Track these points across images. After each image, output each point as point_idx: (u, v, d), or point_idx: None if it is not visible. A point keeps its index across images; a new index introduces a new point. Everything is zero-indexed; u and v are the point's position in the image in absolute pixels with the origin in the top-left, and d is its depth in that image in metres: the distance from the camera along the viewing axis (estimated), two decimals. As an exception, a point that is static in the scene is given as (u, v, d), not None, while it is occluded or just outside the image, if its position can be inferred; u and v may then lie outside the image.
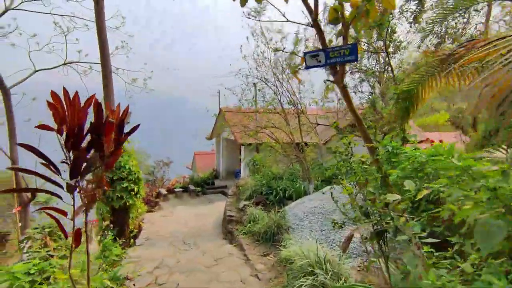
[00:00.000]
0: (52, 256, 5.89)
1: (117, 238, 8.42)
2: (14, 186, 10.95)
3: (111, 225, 8.68)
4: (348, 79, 12.39)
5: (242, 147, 14.46)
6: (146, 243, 7.22)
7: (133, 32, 13.11)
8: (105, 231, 8.62)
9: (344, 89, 2.76)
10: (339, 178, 2.69)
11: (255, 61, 8.60)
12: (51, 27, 12.03)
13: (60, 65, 12.59)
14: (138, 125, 2.48)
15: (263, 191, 7.78)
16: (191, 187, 16.01)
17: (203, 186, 16.50)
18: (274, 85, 8.36)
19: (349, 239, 4.07)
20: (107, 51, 8.25)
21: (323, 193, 5.99)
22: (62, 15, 11.70)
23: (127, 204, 8.31)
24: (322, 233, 5.15)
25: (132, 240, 8.90)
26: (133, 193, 8.46)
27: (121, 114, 2.43)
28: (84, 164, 2.32)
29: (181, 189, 15.81)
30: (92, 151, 2.36)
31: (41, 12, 11.34)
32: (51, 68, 12.43)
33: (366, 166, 2.46)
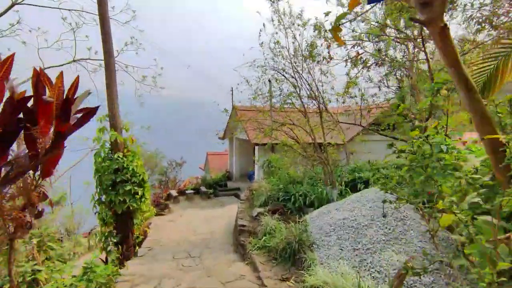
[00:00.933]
0: (39, 270, 5.12)
1: (120, 246, 7.65)
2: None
3: (114, 231, 7.92)
4: (372, 73, 11.19)
5: (256, 147, 13.48)
6: (148, 255, 6.36)
7: (133, 31, 12.38)
8: (108, 238, 7.86)
9: (444, 32, 1.68)
10: (414, 191, 1.65)
11: (271, 50, 7.61)
12: (59, 23, 11.51)
13: (69, 62, 12.05)
14: (96, 109, 1.58)
15: (280, 196, 6.76)
16: (203, 188, 15.18)
17: (215, 188, 15.64)
18: (292, 77, 7.34)
19: (403, 276, 2.99)
20: (109, 37, 7.48)
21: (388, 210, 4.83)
22: (70, 10, 11.13)
23: (131, 208, 7.51)
24: (356, 253, 4.07)
25: (137, 247, 8.10)
26: (137, 196, 7.65)
27: (66, 90, 1.52)
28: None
29: (192, 191, 15.01)
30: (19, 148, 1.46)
31: (49, 7, 10.82)
32: (60, 66, 11.90)
33: (475, 176, 1.42)
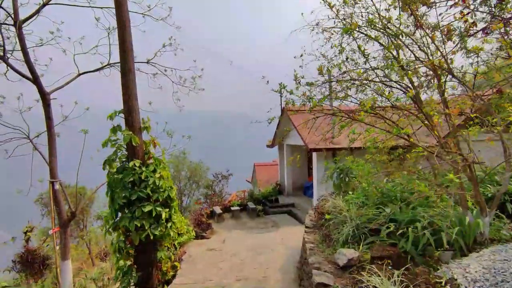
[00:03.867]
0: None
1: (138, 291, 5.38)
2: (51, 202, 9.11)
3: (134, 266, 5.73)
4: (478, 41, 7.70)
5: (314, 154, 10.58)
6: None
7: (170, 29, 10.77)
8: (128, 274, 5.69)
9: None
10: None
11: (344, 3, 4.89)
12: (91, 25, 10.41)
13: (104, 67, 10.81)
14: None
15: (380, 227, 3.82)
16: (251, 205, 12.63)
17: (264, 204, 12.99)
18: (383, 33, 4.48)
19: None
20: (127, 31, 5.52)
21: None
22: (102, 7, 9.91)
23: (152, 238, 5.23)
24: None
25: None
26: (161, 220, 5.37)
27: None
28: None
29: (238, 207, 12.57)
30: None
31: (80, 6, 9.72)
32: (95, 71, 10.73)
33: None
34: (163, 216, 5.31)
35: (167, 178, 5.71)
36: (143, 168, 5.26)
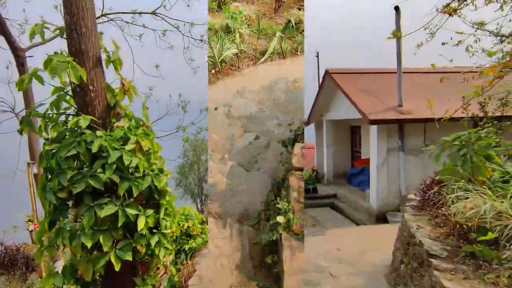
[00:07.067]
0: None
1: None
2: (30, 189, 6.97)
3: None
4: None
5: (374, 129, 7.52)
6: None
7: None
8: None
9: None
10: None
11: None
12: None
13: (97, 17, 8.31)
14: None
15: None
16: (282, 195, 9.93)
17: (299, 194, 10.24)
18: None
19: None
20: None
21: None
22: None
23: (118, 267, 2.66)
24: None
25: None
26: (139, 233, 2.79)
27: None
28: None
29: (267, 198, 9.91)
30: None
31: None
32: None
33: None
34: (141, 223, 2.68)
35: (153, 154, 3.05)
36: (98, 133, 2.62)
